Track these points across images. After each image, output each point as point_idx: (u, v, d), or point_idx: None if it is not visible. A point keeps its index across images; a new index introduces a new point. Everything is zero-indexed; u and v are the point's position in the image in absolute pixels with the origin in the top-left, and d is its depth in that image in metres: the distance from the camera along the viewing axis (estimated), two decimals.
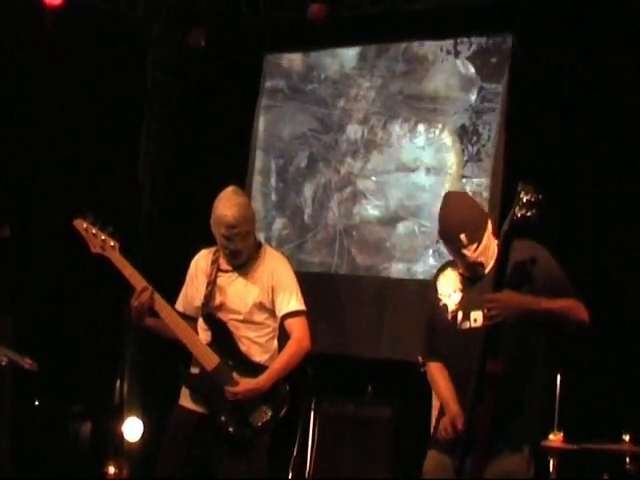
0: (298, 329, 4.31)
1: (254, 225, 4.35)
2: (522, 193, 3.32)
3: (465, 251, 3.57)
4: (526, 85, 6.28)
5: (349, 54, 7.10)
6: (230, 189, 4.33)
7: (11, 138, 6.86)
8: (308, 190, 7.11)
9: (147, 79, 7.65)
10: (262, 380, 4.22)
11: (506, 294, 3.43)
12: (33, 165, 7.01)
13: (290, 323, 4.32)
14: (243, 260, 4.34)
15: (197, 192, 7.07)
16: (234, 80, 7.33)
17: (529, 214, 3.31)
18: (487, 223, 3.61)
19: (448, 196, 3.76)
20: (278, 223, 7.20)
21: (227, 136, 7.36)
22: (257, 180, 7.25)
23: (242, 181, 7.17)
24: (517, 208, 3.32)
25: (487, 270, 3.59)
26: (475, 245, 3.56)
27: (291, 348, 4.30)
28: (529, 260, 3.51)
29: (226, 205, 4.24)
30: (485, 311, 3.46)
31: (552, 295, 3.49)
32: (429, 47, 6.80)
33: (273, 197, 7.24)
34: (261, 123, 7.27)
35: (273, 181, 7.24)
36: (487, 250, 3.57)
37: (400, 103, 6.85)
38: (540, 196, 3.31)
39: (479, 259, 3.58)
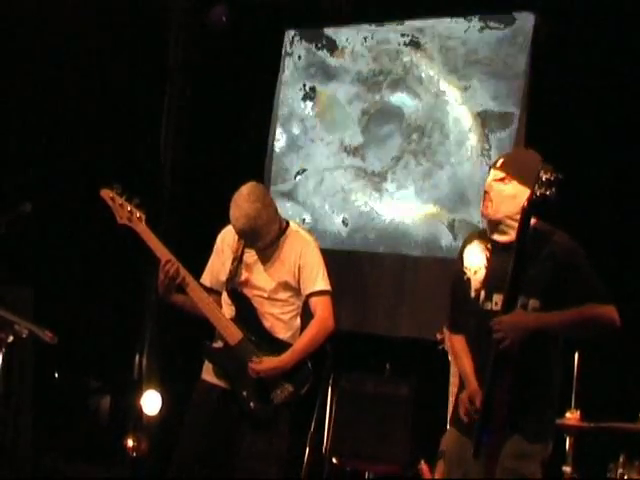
0: (322, 309, 4.32)
1: (268, 225, 4.25)
2: (542, 172, 3.33)
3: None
4: (548, 67, 6.25)
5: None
6: (245, 191, 4.23)
7: (32, 115, 6.90)
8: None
9: (169, 57, 7.66)
10: (285, 359, 4.24)
11: (513, 316, 3.39)
12: (55, 143, 7.04)
13: (315, 302, 4.33)
14: (264, 246, 4.33)
15: (218, 169, 7.11)
16: (256, 57, 7.31)
17: (548, 193, 3.31)
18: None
19: None
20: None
21: (248, 113, 7.36)
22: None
23: (262, 160, 7.20)
24: (536, 186, 3.32)
25: (511, 239, 3.50)
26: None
27: (314, 327, 4.30)
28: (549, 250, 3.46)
29: (236, 213, 4.20)
30: (493, 335, 3.40)
31: (575, 291, 3.44)
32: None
33: None
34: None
35: None
36: (513, 200, 3.50)
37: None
38: (560, 175, 3.31)
39: (497, 216, 3.53)
